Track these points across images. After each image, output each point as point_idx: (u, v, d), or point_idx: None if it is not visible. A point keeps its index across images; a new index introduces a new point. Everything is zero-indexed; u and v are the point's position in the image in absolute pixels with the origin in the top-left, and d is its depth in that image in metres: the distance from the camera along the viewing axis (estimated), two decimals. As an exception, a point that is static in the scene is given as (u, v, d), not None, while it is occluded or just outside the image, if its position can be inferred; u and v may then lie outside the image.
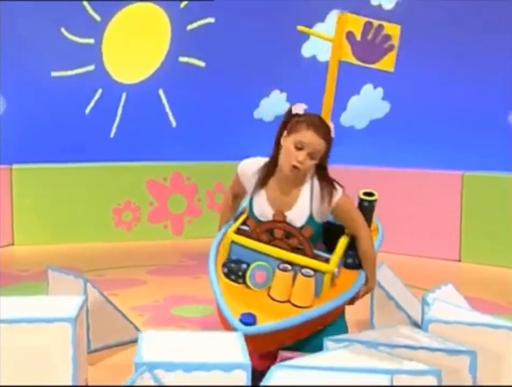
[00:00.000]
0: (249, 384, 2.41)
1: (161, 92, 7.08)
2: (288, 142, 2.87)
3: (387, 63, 3.75)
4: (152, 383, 2.32)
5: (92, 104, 6.94)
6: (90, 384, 3.22)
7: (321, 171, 2.94)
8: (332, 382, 2.25)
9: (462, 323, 2.93)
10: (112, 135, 7.03)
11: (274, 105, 7.05)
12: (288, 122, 2.94)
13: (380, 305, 3.72)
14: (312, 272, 2.81)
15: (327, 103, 3.48)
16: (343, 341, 2.60)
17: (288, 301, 2.80)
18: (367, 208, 3.15)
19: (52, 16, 6.71)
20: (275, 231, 2.89)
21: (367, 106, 6.67)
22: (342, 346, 2.58)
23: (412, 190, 6.08)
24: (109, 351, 3.72)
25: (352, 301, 3.04)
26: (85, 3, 6.80)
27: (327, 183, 2.94)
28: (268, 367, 2.71)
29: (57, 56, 6.79)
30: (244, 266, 2.87)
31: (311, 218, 2.90)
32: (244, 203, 3.22)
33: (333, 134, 2.93)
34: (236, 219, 3.20)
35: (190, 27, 7.00)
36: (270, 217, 2.92)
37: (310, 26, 6.84)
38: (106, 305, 3.75)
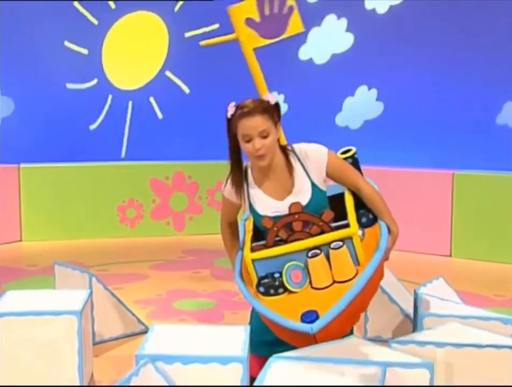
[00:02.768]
0: (246, 376, 2.40)
1: (163, 93, 7.09)
2: (240, 142, 2.76)
3: (295, 26, 3.67)
4: (154, 375, 2.32)
5: (96, 105, 6.93)
6: (94, 375, 3.22)
7: (291, 144, 2.81)
8: (327, 373, 2.26)
9: (455, 317, 2.94)
10: (115, 135, 7.02)
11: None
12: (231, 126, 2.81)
13: (374, 299, 3.68)
14: (340, 243, 2.62)
15: (261, 88, 3.41)
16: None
17: (333, 282, 2.61)
18: (352, 164, 2.94)
19: (59, 20, 6.71)
20: (294, 225, 2.69)
21: (361, 107, 6.66)
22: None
23: (405, 188, 6.08)
24: (113, 343, 3.72)
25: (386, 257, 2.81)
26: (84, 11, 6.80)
27: (307, 145, 2.80)
28: None
29: (63, 57, 6.78)
30: (277, 275, 2.65)
31: (314, 186, 2.75)
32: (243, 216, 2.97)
33: (273, 101, 2.74)
34: (244, 244, 2.87)
35: (192, 33, 7.00)
36: (281, 208, 2.74)
37: (307, 30, 6.87)
38: (111, 299, 3.75)
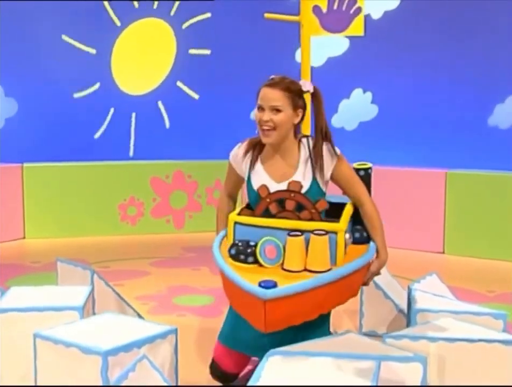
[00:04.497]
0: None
1: (163, 96, 7.08)
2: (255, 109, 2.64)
3: (356, 28, 3.55)
4: (150, 370, 2.31)
5: (98, 105, 6.92)
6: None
7: (317, 134, 2.72)
8: (323, 367, 2.25)
9: (448, 312, 2.94)
10: (117, 135, 7.01)
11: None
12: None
13: (369, 295, 3.72)
14: (324, 232, 2.48)
15: (305, 76, 3.35)
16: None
17: (304, 270, 2.46)
18: (363, 177, 2.86)
19: (64, 21, 6.69)
20: (287, 203, 2.57)
21: (356, 109, 6.66)
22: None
23: (399, 187, 6.09)
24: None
25: (366, 281, 2.73)
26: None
27: (325, 142, 2.70)
28: (241, 371, 2.69)
29: (66, 58, 6.76)
30: (252, 244, 2.52)
31: (314, 181, 2.64)
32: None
33: (305, 88, 2.66)
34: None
35: (191, 51, 7.00)
36: (274, 189, 2.62)
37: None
38: (112, 295, 3.74)
